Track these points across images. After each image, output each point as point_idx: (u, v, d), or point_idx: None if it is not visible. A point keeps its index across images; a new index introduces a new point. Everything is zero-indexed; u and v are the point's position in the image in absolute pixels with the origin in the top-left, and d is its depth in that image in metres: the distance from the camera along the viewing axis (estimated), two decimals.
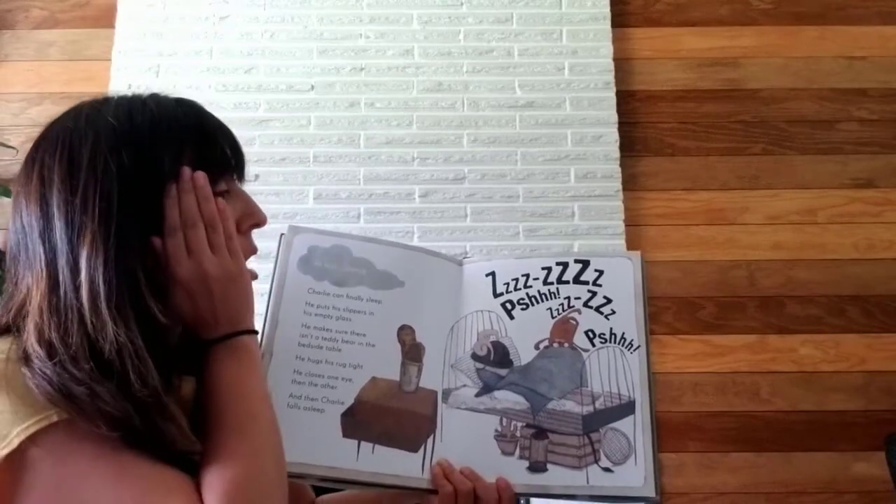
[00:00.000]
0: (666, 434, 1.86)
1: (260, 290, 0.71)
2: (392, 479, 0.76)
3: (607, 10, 2.07)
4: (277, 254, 0.82)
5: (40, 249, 0.63)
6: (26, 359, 0.58)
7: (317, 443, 0.75)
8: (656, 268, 1.95)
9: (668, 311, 1.93)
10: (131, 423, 0.57)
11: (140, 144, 0.65)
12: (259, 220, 0.73)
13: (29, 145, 0.68)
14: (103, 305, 0.60)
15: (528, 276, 0.85)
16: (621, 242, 1.92)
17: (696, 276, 1.96)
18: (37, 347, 0.59)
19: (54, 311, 0.60)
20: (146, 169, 0.65)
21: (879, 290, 1.94)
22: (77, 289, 0.60)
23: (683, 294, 1.95)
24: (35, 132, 0.69)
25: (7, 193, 1.81)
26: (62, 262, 0.62)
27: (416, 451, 0.77)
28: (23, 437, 0.55)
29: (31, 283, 0.63)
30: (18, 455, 0.55)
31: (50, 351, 0.58)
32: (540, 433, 0.79)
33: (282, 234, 0.83)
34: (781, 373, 1.90)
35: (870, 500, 1.82)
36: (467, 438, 0.79)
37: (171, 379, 0.63)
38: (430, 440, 0.78)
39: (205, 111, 0.73)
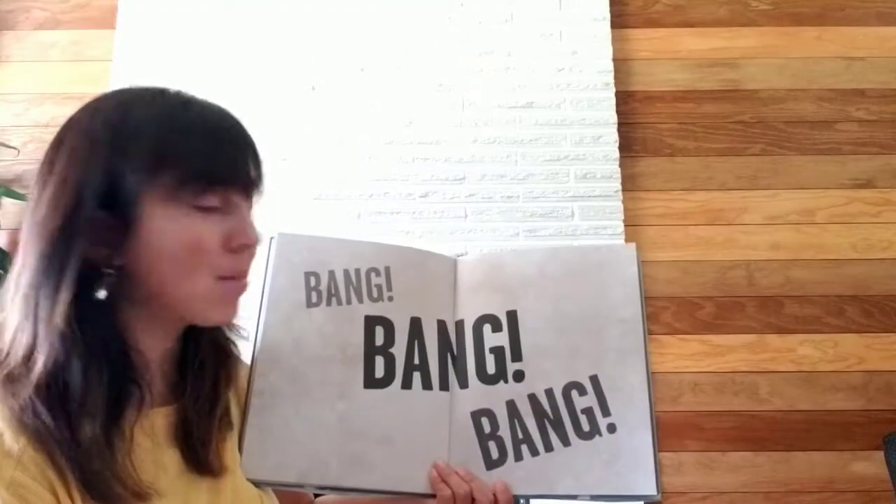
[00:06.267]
0: (665, 433, 1.87)
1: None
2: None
3: (607, 11, 2.07)
4: (268, 260, 0.80)
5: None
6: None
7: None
8: (656, 268, 1.96)
9: (667, 310, 1.94)
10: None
11: (118, 147, 0.62)
12: (247, 241, 0.66)
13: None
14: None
15: None
16: (621, 242, 1.92)
17: (696, 276, 1.96)
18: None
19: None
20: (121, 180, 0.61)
21: (878, 290, 1.94)
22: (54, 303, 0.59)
23: (683, 294, 1.95)
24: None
25: (8, 193, 1.81)
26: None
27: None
28: None
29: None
30: None
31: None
32: None
33: (271, 238, 0.80)
34: (780, 372, 1.91)
35: (868, 499, 1.83)
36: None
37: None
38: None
39: (210, 111, 0.70)
